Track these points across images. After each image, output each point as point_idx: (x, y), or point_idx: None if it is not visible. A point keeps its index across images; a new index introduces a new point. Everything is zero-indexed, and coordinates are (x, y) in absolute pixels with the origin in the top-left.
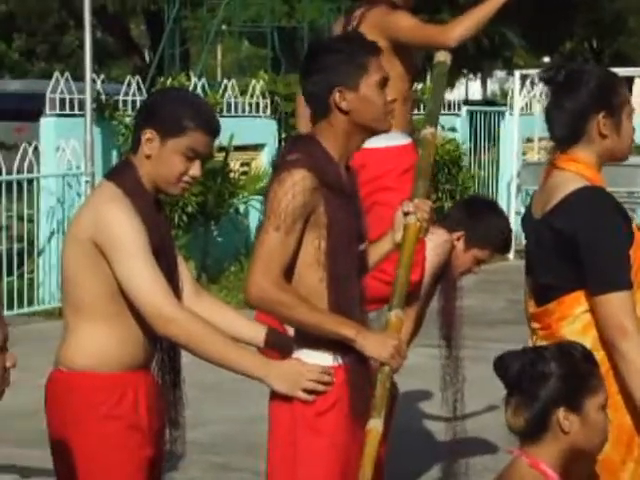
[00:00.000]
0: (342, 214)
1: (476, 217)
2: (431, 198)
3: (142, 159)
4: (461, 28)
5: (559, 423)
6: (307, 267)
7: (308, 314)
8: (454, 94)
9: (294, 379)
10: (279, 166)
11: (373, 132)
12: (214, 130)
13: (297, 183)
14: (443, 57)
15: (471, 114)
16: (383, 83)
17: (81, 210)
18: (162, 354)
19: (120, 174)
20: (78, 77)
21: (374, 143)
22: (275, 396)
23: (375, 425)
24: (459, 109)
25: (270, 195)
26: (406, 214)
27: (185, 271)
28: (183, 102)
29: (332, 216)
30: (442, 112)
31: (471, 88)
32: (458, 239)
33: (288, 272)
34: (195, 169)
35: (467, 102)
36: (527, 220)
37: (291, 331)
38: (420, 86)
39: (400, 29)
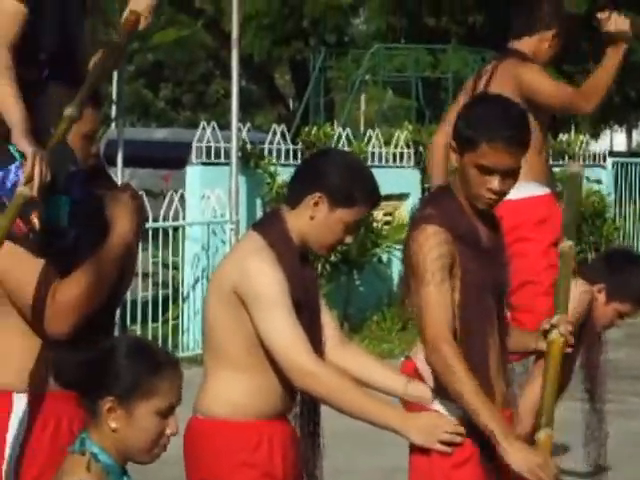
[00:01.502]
0: (475, 266)
1: (616, 270)
2: (574, 250)
3: (300, 216)
4: (597, 96)
5: None
6: None
7: (471, 394)
8: (599, 145)
9: (431, 431)
10: (414, 222)
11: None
12: (377, 204)
13: (430, 237)
14: (577, 168)
15: (616, 166)
16: (489, 171)
17: (225, 260)
18: (302, 404)
19: (266, 225)
20: (223, 125)
21: (509, 194)
22: (414, 447)
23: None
24: (604, 161)
25: (407, 254)
26: (549, 328)
27: (330, 321)
28: (356, 173)
29: (465, 268)
30: (587, 164)
31: (616, 139)
32: (599, 292)
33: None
34: (349, 238)
35: (612, 154)
36: None
37: (431, 383)
38: (565, 137)
39: (540, 93)
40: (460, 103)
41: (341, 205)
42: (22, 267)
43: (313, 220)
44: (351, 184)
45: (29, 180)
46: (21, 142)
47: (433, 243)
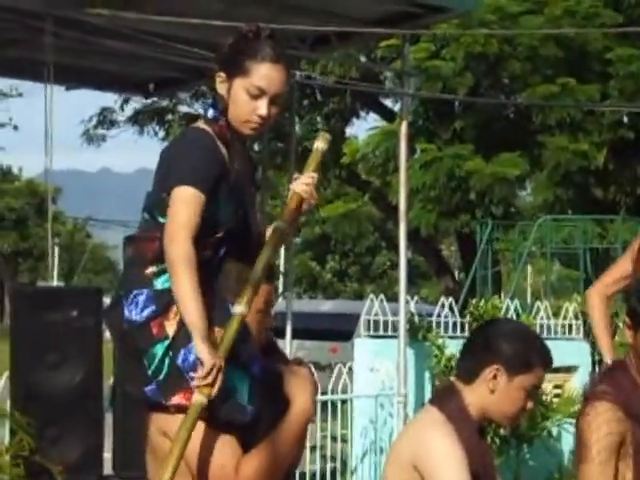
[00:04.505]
0: None
1: None
2: None
3: (478, 390)
4: None
5: None
6: None
7: None
8: None
9: None
10: (587, 398)
11: None
12: (550, 365)
13: (600, 414)
14: None
15: None
16: None
17: (403, 434)
18: None
19: (444, 400)
20: (389, 297)
21: None
22: None
23: None
24: None
25: (577, 429)
26: None
27: None
28: (526, 337)
29: (637, 447)
30: None
31: None
32: None
33: None
34: (531, 404)
35: None
36: None
37: None
38: None
39: None
40: (622, 265)
41: (519, 372)
42: (211, 446)
43: (494, 394)
44: (525, 349)
45: (205, 386)
46: (201, 348)
47: (602, 420)
